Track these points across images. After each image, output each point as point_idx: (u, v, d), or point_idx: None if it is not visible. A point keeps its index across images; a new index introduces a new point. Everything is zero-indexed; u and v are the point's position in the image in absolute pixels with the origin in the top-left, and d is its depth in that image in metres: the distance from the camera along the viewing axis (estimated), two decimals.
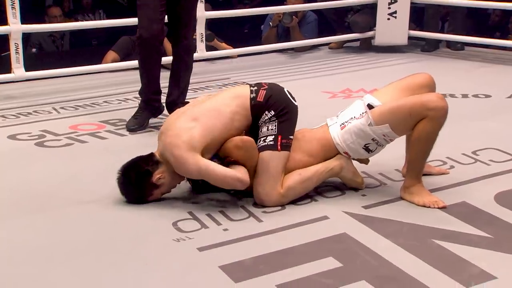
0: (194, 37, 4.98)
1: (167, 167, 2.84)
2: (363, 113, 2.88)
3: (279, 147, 2.84)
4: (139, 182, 2.84)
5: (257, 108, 2.88)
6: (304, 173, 2.89)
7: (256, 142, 2.87)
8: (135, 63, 5.36)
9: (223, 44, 6.01)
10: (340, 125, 2.93)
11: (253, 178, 2.84)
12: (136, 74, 5.35)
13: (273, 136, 2.86)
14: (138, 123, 3.98)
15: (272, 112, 2.87)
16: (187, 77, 4.11)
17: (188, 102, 4.01)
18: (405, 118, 2.80)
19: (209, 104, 2.91)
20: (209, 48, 5.74)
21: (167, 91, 4.10)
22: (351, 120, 2.90)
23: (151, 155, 2.89)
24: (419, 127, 2.77)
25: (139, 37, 3.84)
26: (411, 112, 2.78)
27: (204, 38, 5.47)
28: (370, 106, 2.87)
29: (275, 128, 2.87)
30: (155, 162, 2.85)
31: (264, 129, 2.88)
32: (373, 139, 2.87)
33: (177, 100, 4.03)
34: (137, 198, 2.88)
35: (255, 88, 2.93)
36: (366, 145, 2.90)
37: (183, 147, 2.75)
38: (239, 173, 2.77)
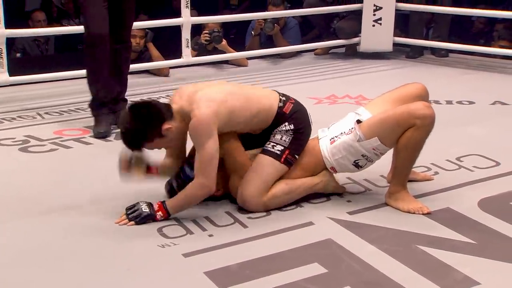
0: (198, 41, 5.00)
1: (179, 124, 2.79)
2: (352, 128, 2.89)
3: (282, 160, 2.87)
4: (147, 121, 2.72)
5: (279, 117, 2.90)
6: (291, 184, 2.90)
7: (264, 144, 2.89)
8: None
9: (230, 48, 6.00)
10: (330, 139, 2.94)
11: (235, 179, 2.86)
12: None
13: (282, 147, 2.87)
14: (104, 126, 3.95)
15: (292, 126, 2.90)
16: (127, 74, 4.20)
17: (127, 100, 4.11)
18: (393, 128, 2.81)
19: (242, 90, 2.93)
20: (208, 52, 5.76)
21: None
22: (341, 135, 2.91)
23: (169, 105, 2.82)
24: (407, 134, 2.78)
25: (88, 37, 3.84)
26: (398, 122, 2.79)
27: (189, 44, 5.46)
28: (359, 122, 2.89)
29: (288, 141, 2.88)
30: (171, 114, 2.78)
31: (278, 136, 2.89)
32: (363, 155, 2.89)
33: (118, 97, 4.11)
34: (135, 137, 2.75)
35: (284, 98, 2.95)
36: (356, 161, 2.92)
37: (207, 117, 2.70)
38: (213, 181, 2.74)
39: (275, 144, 2.88)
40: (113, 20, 3.92)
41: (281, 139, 2.89)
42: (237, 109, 2.81)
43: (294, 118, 2.92)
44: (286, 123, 2.91)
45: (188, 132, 2.78)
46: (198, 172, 2.74)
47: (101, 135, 3.92)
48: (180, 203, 2.78)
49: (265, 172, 2.85)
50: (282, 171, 2.89)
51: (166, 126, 2.74)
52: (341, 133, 2.92)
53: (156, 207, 2.77)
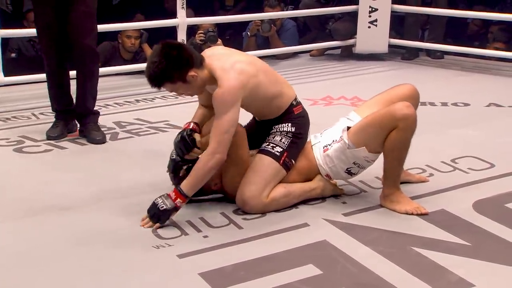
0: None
1: (205, 76, 2.77)
2: (341, 135, 2.91)
3: (281, 162, 2.88)
4: (175, 62, 2.69)
5: (287, 114, 2.94)
6: (289, 188, 2.90)
7: (261, 144, 2.91)
8: (117, 68, 5.38)
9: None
10: (323, 147, 2.96)
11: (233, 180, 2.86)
12: (117, 80, 5.39)
13: (281, 149, 2.89)
14: (60, 130, 3.91)
15: (293, 129, 2.92)
16: (95, 85, 3.94)
17: (99, 112, 4.00)
18: (377, 132, 2.82)
19: (272, 71, 2.97)
20: None
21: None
22: (332, 143, 2.93)
23: (202, 55, 2.81)
24: (392, 137, 2.79)
25: (41, 47, 3.83)
26: (381, 125, 2.81)
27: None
28: (349, 128, 2.91)
29: (286, 144, 2.90)
30: (201, 62, 2.77)
31: (277, 138, 2.91)
32: (354, 163, 2.90)
33: (86, 109, 3.92)
34: (159, 75, 2.71)
35: (298, 100, 3.00)
36: (348, 169, 2.93)
37: (235, 89, 2.70)
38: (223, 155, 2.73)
39: (274, 145, 2.89)
40: (69, 30, 3.75)
41: (280, 140, 2.90)
42: (263, 86, 2.84)
43: (298, 122, 2.94)
44: (289, 124, 2.92)
45: (212, 98, 2.76)
46: (212, 139, 2.73)
47: (51, 138, 3.86)
48: (193, 181, 2.73)
49: (266, 172, 2.85)
50: (281, 174, 2.89)
51: (192, 73, 2.73)
52: (333, 141, 2.94)
53: (173, 195, 2.71)
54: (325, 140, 2.97)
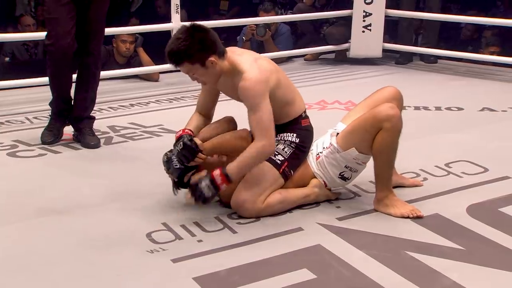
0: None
1: (225, 67, 2.80)
2: (331, 141, 2.94)
3: (281, 170, 2.88)
4: (199, 43, 2.72)
5: (294, 124, 2.96)
6: (285, 194, 2.90)
7: None
8: (111, 73, 5.37)
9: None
10: (316, 155, 2.98)
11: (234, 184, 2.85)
12: (111, 84, 5.38)
13: (283, 158, 2.89)
14: (54, 135, 3.89)
15: (297, 140, 2.93)
16: (95, 90, 3.95)
17: (94, 117, 3.97)
18: (363, 135, 2.84)
19: (289, 79, 2.99)
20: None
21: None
22: (323, 150, 2.96)
23: (225, 49, 2.83)
24: (378, 139, 2.80)
25: (48, 51, 3.75)
26: (366, 128, 2.82)
27: None
28: (337, 134, 2.93)
29: (288, 153, 2.91)
30: (223, 53, 2.80)
31: (281, 146, 2.91)
32: (346, 166, 2.91)
33: (83, 114, 3.91)
34: (180, 51, 2.72)
35: (306, 114, 3.03)
36: (341, 174, 2.94)
37: (262, 80, 2.75)
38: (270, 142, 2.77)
39: (276, 153, 2.89)
40: (81, 33, 3.78)
41: (283, 149, 2.91)
42: (282, 87, 2.87)
43: (303, 135, 2.96)
44: (295, 134, 2.94)
45: (239, 94, 2.78)
46: (258, 133, 2.75)
47: (44, 142, 3.84)
48: (242, 169, 2.77)
49: (264, 178, 2.85)
50: (278, 182, 2.89)
51: (212, 58, 2.75)
52: (323, 148, 2.97)
53: (219, 179, 2.73)
54: (317, 150, 3.00)
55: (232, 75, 2.81)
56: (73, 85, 3.94)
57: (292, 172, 2.93)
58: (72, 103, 3.93)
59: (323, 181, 2.97)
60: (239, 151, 2.80)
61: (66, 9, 3.67)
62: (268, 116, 2.74)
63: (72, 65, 3.83)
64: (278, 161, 2.88)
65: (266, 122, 2.74)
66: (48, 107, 4.00)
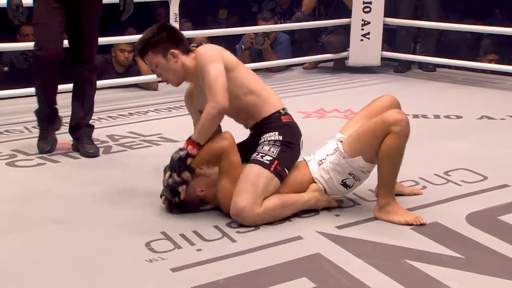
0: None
1: (190, 65, 2.95)
2: (336, 148, 2.93)
3: (271, 169, 2.87)
4: (164, 35, 2.94)
5: (273, 120, 2.97)
6: (284, 199, 2.90)
7: (249, 157, 2.91)
8: (110, 82, 5.38)
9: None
10: (318, 162, 2.98)
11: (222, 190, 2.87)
12: (110, 93, 5.39)
13: (271, 158, 2.89)
14: (49, 143, 3.88)
15: (280, 137, 2.93)
16: (92, 97, 3.94)
17: (93, 125, 3.97)
18: (372, 140, 2.84)
19: (259, 78, 3.14)
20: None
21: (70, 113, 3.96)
22: (327, 157, 2.95)
23: (191, 49, 2.99)
24: (386, 142, 2.81)
25: (36, 57, 3.73)
26: (375, 133, 2.83)
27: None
28: (340, 141, 2.93)
29: (276, 152, 2.90)
30: (188, 51, 2.98)
31: (266, 148, 2.92)
32: (350, 173, 2.91)
33: (81, 122, 3.90)
34: (145, 41, 2.95)
35: (286, 111, 3.05)
36: (344, 181, 2.94)
37: (213, 48, 2.96)
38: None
39: (263, 155, 2.89)
40: (73, 41, 3.79)
41: (269, 150, 2.90)
42: (242, 73, 2.99)
43: (285, 131, 2.95)
44: (276, 132, 2.94)
45: (198, 66, 2.91)
46: (207, 96, 2.84)
47: (42, 152, 3.83)
48: (200, 128, 2.85)
49: (257, 180, 2.84)
50: (274, 182, 2.88)
51: (174, 51, 2.92)
52: (327, 155, 2.96)
53: (184, 145, 2.86)
54: (319, 156, 3.00)
55: (195, 73, 2.95)
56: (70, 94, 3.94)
57: (286, 171, 2.92)
58: (56, 107, 3.91)
59: (323, 187, 2.97)
60: (220, 153, 2.84)
61: (55, 15, 3.67)
62: (214, 78, 2.83)
63: (60, 73, 3.82)
64: (267, 161, 2.87)
65: (211, 82, 2.83)
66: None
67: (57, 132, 3.97)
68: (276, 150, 2.90)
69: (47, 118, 3.90)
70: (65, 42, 3.88)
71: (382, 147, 2.82)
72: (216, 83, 2.82)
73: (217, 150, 2.85)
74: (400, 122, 2.79)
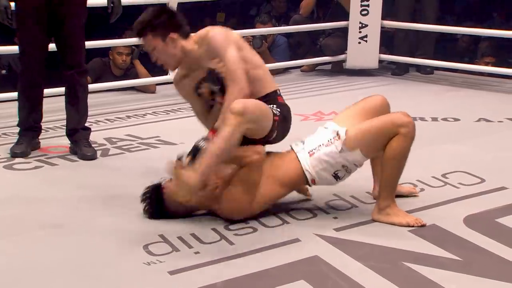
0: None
1: (189, 49, 2.96)
2: (331, 139, 2.90)
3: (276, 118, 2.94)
4: (164, 19, 2.93)
5: (272, 97, 3.04)
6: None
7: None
8: (108, 85, 5.38)
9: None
10: (309, 152, 2.94)
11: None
12: (108, 96, 5.39)
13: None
14: (25, 147, 3.85)
15: (278, 111, 2.97)
16: (85, 100, 3.93)
17: (90, 128, 3.97)
18: (378, 138, 2.85)
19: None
20: None
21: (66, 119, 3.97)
22: (320, 147, 2.92)
23: (190, 33, 3.01)
24: (393, 145, 2.82)
25: (22, 61, 3.77)
26: (383, 131, 2.84)
27: None
28: (338, 134, 2.90)
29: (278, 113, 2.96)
30: (187, 35, 2.97)
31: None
32: (343, 166, 2.90)
33: (77, 126, 3.90)
34: (144, 22, 2.94)
35: (281, 93, 3.10)
36: (336, 172, 2.93)
37: (224, 31, 2.98)
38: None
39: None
40: (60, 45, 3.80)
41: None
42: (247, 52, 2.99)
43: (283, 109, 3.02)
44: (275, 106, 2.99)
45: (210, 49, 2.93)
46: (228, 81, 2.86)
47: (17, 155, 3.81)
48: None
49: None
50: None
51: (174, 35, 2.92)
52: (320, 145, 2.92)
53: (210, 135, 2.86)
54: (310, 146, 2.95)
55: (200, 45, 2.96)
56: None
57: (274, 133, 2.94)
58: (41, 121, 3.92)
59: (313, 179, 2.95)
60: (247, 164, 2.84)
61: (37, 19, 3.68)
62: (234, 63, 2.87)
63: (45, 77, 3.84)
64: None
65: (233, 68, 2.86)
66: (43, 119, 4.00)
67: (55, 135, 3.97)
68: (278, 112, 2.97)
69: (29, 127, 3.90)
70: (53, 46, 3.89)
71: (388, 149, 2.83)
72: (238, 69, 2.87)
73: (246, 161, 2.85)
74: (408, 124, 2.82)
